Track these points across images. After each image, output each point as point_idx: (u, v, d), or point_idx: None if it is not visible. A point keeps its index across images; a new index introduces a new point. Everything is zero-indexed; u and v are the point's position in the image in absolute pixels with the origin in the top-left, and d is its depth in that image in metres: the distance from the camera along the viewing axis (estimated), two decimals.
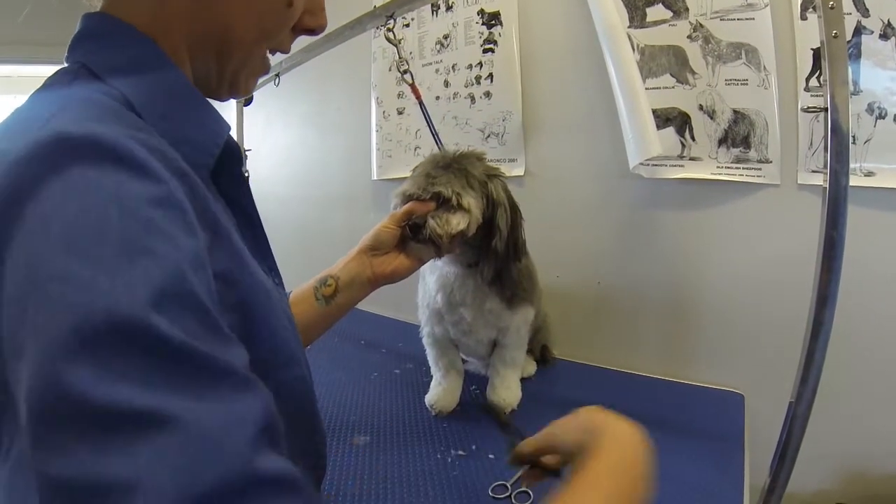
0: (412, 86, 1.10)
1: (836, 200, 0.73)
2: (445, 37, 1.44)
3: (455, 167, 0.83)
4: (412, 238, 0.79)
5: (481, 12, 1.36)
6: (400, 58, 1.10)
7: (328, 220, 1.91)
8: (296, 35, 0.52)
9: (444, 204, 0.80)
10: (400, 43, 1.09)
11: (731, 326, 1.14)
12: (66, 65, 0.42)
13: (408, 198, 0.83)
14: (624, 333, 1.27)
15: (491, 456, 0.87)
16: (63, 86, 0.39)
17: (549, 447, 0.52)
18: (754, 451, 0.88)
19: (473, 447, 0.89)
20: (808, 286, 0.77)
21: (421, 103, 1.10)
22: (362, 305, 0.83)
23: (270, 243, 0.53)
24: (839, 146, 0.72)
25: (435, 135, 1.10)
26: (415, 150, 1.54)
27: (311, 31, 0.52)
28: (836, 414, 1.00)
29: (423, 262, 0.85)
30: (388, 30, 1.08)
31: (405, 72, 1.10)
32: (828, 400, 0.81)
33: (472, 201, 0.81)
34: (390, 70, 1.54)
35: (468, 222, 0.81)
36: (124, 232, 0.28)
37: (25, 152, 0.30)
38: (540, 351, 1.21)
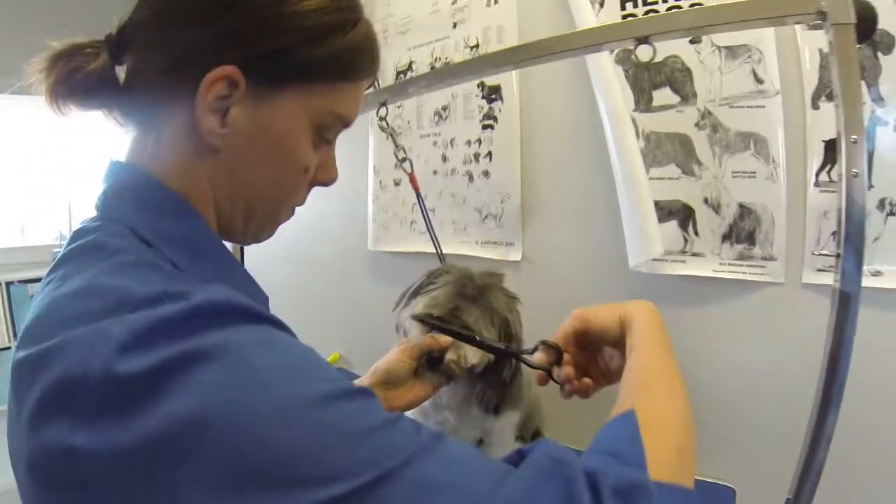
0: (411, 176, 1.07)
1: (847, 304, 0.68)
2: (444, 108, 1.40)
3: (483, 303, 0.85)
4: (427, 368, 0.82)
5: (482, 85, 1.33)
6: (396, 146, 1.07)
7: (321, 285, 1.82)
8: (310, 189, 0.55)
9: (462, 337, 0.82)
10: (395, 133, 1.06)
11: (725, 419, 1.08)
12: (99, 221, 0.44)
13: (427, 324, 0.84)
14: None
15: None
16: (126, 254, 0.40)
17: (582, 329, 0.60)
18: None
19: None
20: (809, 387, 0.71)
21: (418, 195, 1.07)
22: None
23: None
24: (854, 252, 0.67)
25: (434, 239, 1.06)
26: (411, 224, 1.48)
27: (324, 184, 0.55)
28: None
29: (438, 390, 0.85)
30: (381, 119, 1.06)
31: (403, 160, 1.07)
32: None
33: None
34: (388, 138, 1.50)
35: (484, 360, 0.83)
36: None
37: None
38: (532, 436, 1.17)
